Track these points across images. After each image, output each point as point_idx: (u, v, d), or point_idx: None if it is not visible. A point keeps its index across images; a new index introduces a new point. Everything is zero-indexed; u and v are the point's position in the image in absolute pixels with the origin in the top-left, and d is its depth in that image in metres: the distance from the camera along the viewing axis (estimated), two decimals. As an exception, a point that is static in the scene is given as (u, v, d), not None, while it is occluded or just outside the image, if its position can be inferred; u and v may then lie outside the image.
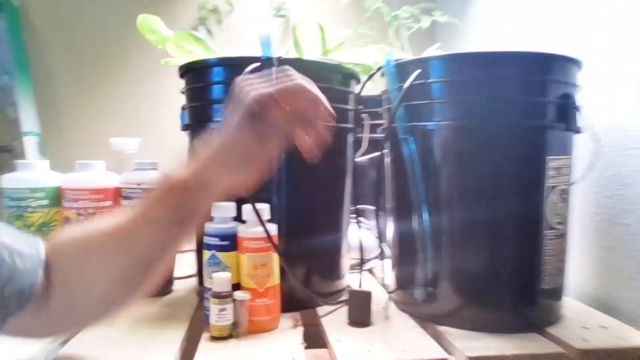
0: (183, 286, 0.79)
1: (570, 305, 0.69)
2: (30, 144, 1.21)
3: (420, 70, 0.63)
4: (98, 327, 0.61)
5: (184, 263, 0.86)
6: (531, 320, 0.61)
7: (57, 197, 0.74)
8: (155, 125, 1.31)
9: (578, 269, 0.73)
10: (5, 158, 1.25)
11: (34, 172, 0.74)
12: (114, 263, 0.45)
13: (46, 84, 1.31)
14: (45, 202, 0.73)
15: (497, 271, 0.61)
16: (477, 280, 0.61)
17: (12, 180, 0.73)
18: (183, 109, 0.77)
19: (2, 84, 1.28)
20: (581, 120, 0.63)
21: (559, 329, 0.60)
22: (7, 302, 0.42)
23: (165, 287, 0.76)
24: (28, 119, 1.26)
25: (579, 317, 0.64)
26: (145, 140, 1.20)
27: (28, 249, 0.44)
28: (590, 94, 0.67)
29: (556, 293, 0.63)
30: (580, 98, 0.64)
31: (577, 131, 0.64)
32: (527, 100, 0.60)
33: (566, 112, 0.61)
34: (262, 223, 0.60)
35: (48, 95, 1.31)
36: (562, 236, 0.63)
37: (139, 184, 0.73)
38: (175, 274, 0.80)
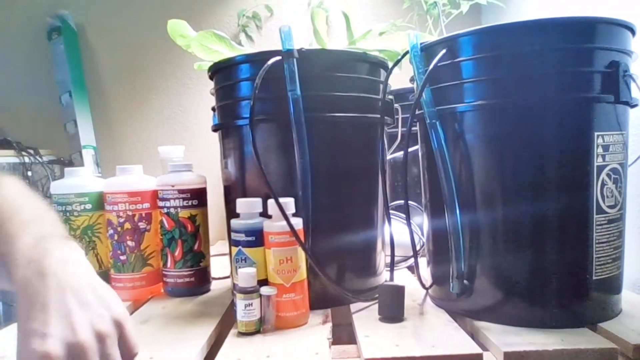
0: (220, 286, 0.79)
1: (632, 300, 0.62)
2: (87, 156, 1.29)
3: (446, 50, 0.59)
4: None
5: (224, 265, 0.87)
6: (581, 314, 0.55)
7: (100, 201, 0.77)
8: (199, 131, 1.35)
9: (641, 259, 0.66)
10: (67, 171, 1.34)
11: (79, 179, 0.78)
12: None
13: (100, 100, 1.39)
14: (89, 206, 0.76)
15: (541, 261, 0.55)
16: (518, 271, 0.56)
17: (59, 186, 0.77)
18: (213, 110, 0.78)
19: (64, 102, 1.37)
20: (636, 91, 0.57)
21: (614, 324, 0.54)
22: None
23: (202, 287, 0.77)
24: (86, 133, 1.34)
25: (639, 312, 0.57)
26: (192, 145, 1.23)
27: None
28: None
29: (610, 285, 0.57)
30: (636, 67, 0.57)
31: (630, 104, 0.58)
32: (567, 71, 0.55)
33: (614, 82, 0.55)
34: (285, 216, 0.59)
35: (102, 111, 1.39)
36: (615, 221, 0.56)
37: (173, 186, 0.74)
38: (214, 275, 0.81)
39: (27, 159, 1.25)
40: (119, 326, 0.41)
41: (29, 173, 1.24)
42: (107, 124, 1.38)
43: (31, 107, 1.38)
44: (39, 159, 1.27)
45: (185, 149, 1.07)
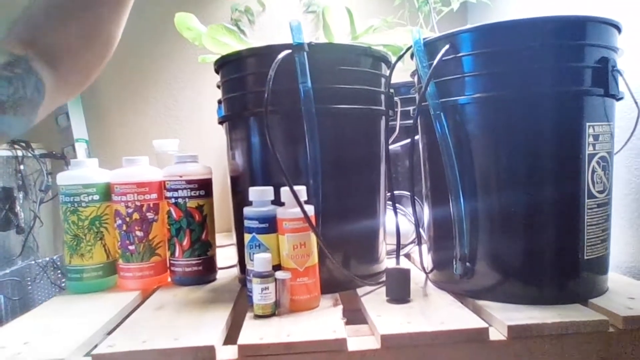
0: (225, 275, 0.82)
1: (617, 279, 0.67)
2: (80, 149, 1.29)
3: (449, 45, 0.63)
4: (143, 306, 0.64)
5: (227, 256, 0.89)
6: (574, 291, 0.60)
7: (107, 192, 0.78)
8: (193, 125, 1.36)
9: (625, 242, 0.71)
10: (59, 164, 1.33)
11: (86, 170, 0.79)
12: None
13: (93, 93, 1.38)
14: (96, 197, 0.77)
15: (537, 243, 0.60)
16: (516, 253, 0.60)
17: (66, 177, 0.78)
18: (219, 102, 0.80)
19: (53, 95, 1.36)
20: (624, 85, 0.61)
21: (604, 300, 0.59)
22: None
23: (209, 275, 0.79)
24: (78, 126, 1.33)
25: (625, 289, 0.63)
26: (184, 139, 1.24)
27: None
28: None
29: (600, 264, 0.61)
30: (621, 63, 0.62)
31: (617, 97, 0.62)
32: (560, 66, 0.59)
33: (604, 76, 0.60)
34: (300, 203, 0.61)
35: (95, 104, 1.38)
36: (603, 205, 0.61)
37: (181, 176, 0.76)
38: (219, 265, 0.83)
39: (19, 153, 1.24)
40: None
41: (22, 167, 1.23)
42: (99, 118, 1.38)
43: (21, 100, 1.36)
44: (31, 153, 1.26)
45: (179, 142, 1.09)
